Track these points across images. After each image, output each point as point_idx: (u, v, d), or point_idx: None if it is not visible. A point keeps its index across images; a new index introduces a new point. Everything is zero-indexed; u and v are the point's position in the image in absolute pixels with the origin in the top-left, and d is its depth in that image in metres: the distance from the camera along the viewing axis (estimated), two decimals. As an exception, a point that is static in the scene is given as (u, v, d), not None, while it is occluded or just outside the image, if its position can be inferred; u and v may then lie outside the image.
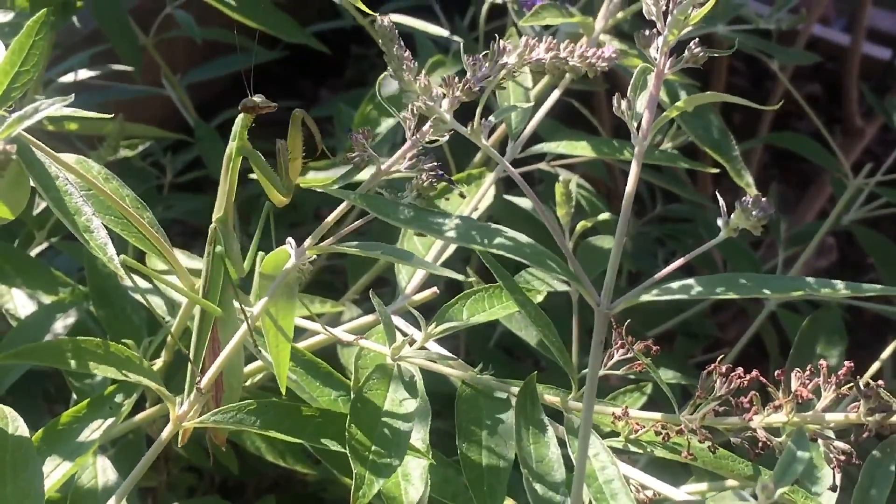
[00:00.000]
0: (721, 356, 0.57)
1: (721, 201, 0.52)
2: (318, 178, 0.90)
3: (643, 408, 0.89)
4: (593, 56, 0.57)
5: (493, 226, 0.51)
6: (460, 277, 0.62)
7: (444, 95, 0.54)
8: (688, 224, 1.42)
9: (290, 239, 0.60)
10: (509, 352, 1.31)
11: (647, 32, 0.52)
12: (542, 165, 0.97)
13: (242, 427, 0.60)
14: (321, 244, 0.60)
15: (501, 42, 0.57)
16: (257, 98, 0.61)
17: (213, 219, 0.65)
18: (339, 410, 0.64)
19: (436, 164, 0.60)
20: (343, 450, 0.57)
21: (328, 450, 0.74)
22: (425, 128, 0.58)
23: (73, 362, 0.60)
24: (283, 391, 0.59)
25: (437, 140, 0.56)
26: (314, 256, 0.61)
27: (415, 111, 0.58)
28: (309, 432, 0.59)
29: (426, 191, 0.60)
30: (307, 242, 0.60)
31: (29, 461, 0.60)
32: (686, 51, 0.53)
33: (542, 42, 0.57)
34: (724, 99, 0.52)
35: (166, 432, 0.64)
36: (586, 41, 0.87)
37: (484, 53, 0.58)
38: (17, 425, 0.64)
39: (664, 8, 0.52)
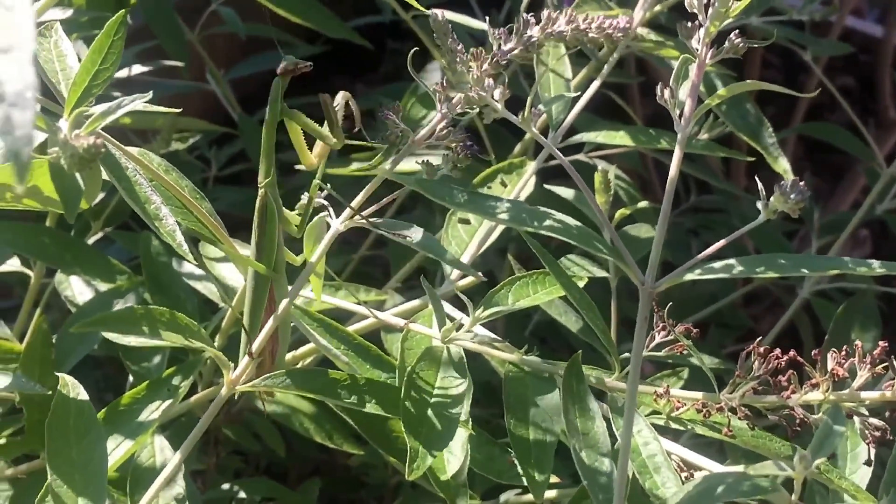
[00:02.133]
0: (759, 338, 0.60)
1: (760, 185, 0.55)
2: (358, 166, 0.93)
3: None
4: (610, 27, 0.60)
5: (542, 209, 0.53)
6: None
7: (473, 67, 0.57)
8: (721, 215, 1.43)
9: (323, 213, 0.64)
10: (543, 341, 1.34)
11: (688, 24, 0.54)
12: (580, 156, 0.99)
13: (292, 390, 0.63)
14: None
15: (525, 16, 0.60)
16: (291, 60, 0.63)
17: (261, 183, 0.68)
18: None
19: (466, 135, 0.62)
20: (390, 416, 0.60)
21: (374, 430, 0.77)
22: (455, 100, 0.60)
23: (146, 329, 0.63)
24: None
25: (467, 112, 0.59)
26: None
27: (445, 83, 0.61)
28: (356, 399, 0.62)
29: (461, 161, 0.62)
30: (345, 214, 0.64)
31: (91, 425, 0.63)
32: (727, 42, 0.55)
33: (563, 15, 0.60)
34: (762, 87, 0.55)
35: (222, 394, 0.67)
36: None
37: (508, 27, 0.61)
38: (78, 391, 0.67)
39: (705, 0, 0.54)
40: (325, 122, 0.66)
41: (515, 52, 0.60)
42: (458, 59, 0.54)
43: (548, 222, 0.52)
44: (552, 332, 1.31)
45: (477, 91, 0.54)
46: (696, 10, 0.55)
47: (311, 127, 0.66)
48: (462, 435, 0.61)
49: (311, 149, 0.68)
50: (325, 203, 0.68)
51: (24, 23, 0.32)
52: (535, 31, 0.60)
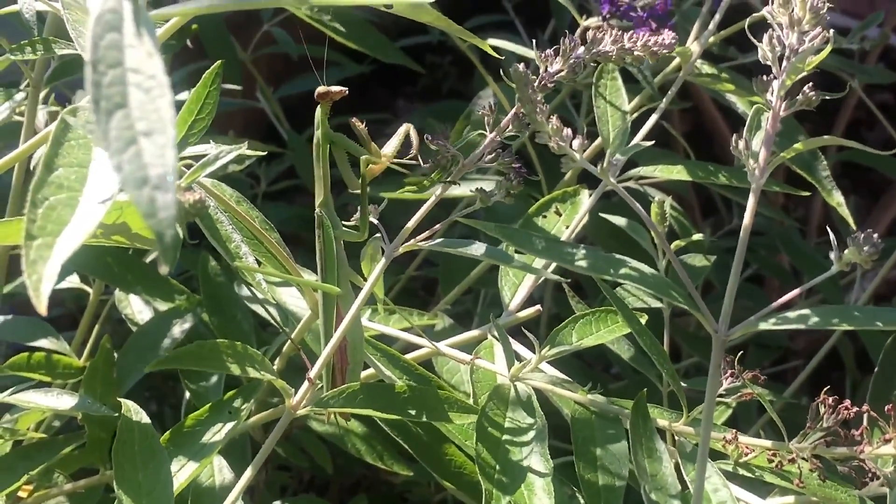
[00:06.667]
0: (826, 388, 0.60)
1: (832, 236, 0.55)
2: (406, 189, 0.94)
3: (728, 420, 0.92)
4: (655, 44, 0.61)
5: (619, 257, 0.54)
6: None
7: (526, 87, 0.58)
8: (762, 237, 1.44)
9: (377, 236, 0.66)
10: (579, 356, 1.35)
11: (763, 77, 0.55)
12: (631, 184, 1.00)
13: (347, 409, 0.64)
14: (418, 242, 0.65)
15: (571, 37, 0.61)
16: (330, 88, 0.66)
17: (317, 205, 0.70)
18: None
19: (515, 157, 0.64)
20: (445, 439, 0.60)
21: (428, 453, 0.78)
22: (503, 123, 0.62)
23: (217, 362, 0.64)
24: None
25: (517, 136, 0.60)
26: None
27: (493, 107, 0.62)
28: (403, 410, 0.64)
29: (514, 188, 0.63)
30: (399, 237, 0.66)
31: (155, 450, 0.65)
32: (801, 94, 0.56)
33: (608, 35, 0.61)
34: (836, 143, 0.55)
35: (283, 419, 0.69)
36: (683, 66, 0.90)
37: (555, 49, 0.62)
38: (141, 416, 0.69)
39: (780, 54, 0.55)
40: (360, 142, 0.68)
41: (562, 73, 0.61)
42: (538, 110, 0.55)
43: (624, 270, 0.53)
44: (589, 348, 1.32)
45: (556, 142, 0.55)
46: (769, 63, 0.56)
47: (353, 148, 0.68)
48: (544, 478, 0.60)
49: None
50: (377, 223, 0.69)
51: (163, 106, 0.33)
52: (580, 52, 0.61)
